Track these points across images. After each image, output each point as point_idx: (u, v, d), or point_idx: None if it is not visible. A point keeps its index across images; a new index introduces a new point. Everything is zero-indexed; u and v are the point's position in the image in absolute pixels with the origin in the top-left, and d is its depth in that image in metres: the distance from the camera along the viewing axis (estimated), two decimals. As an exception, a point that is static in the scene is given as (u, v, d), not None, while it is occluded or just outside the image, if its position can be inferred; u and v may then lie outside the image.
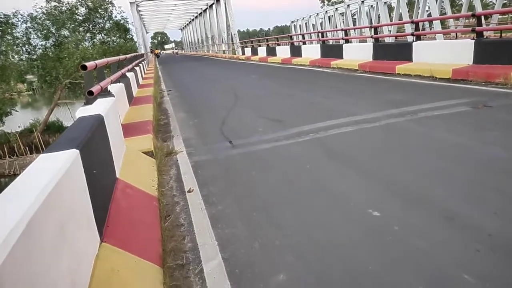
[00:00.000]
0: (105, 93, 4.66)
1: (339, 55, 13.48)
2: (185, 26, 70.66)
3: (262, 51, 23.63)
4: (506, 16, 28.10)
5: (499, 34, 9.81)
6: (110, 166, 3.06)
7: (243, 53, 28.73)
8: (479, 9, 27.15)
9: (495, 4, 29.36)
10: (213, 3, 38.59)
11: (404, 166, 3.57)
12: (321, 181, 3.42)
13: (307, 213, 2.87)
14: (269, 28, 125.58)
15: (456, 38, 16.22)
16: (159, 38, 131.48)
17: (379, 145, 4.31)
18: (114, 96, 4.57)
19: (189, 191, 3.52)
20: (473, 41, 8.07)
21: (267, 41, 26.28)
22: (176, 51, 55.10)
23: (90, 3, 30.49)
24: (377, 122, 5.15)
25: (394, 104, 6.13)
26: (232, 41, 33.97)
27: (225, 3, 34.61)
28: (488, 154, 3.65)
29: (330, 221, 2.70)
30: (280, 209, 2.98)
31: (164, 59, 48.05)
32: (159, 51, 60.08)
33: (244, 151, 4.61)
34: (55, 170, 1.76)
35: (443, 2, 29.69)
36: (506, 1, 27.31)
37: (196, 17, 52.91)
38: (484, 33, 8.49)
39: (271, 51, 21.54)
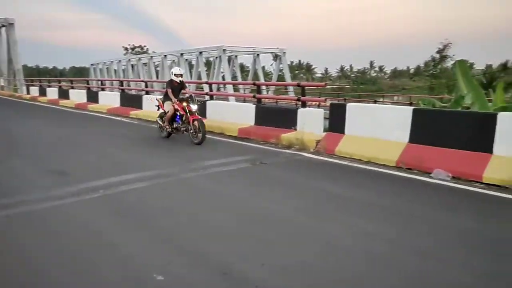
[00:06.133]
0: None
1: (139, 106, 13.50)
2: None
3: (53, 92, 21.28)
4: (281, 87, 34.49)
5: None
6: None
7: (28, 92, 25.21)
8: (261, 79, 32.54)
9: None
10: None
11: (192, 223, 3.76)
12: (109, 245, 3.23)
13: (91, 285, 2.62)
14: (65, 68, 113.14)
15: (245, 101, 18.83)
16: None
17: (171, 202, 4.42)
18: None
19: None
20: (254, 105, 9.51)
21: (60, 82, 23.99)
22: None
23: None
24: (170, 177, 5.31)
25: (188, 158, 6.49)
26: (15, 76, 29.45)
27: (7, 34, 29.97)
28: (261, 208, 4.22)
29: (113, 290, 2.55)
30: (59, 284, 2.63)
31: None
32: None
33: (16, 211, 3.94)
34: None
35: (234, 66, 34.31)
36: (280, 73, 33.70)
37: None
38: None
39: (64, 94, 19.68)
